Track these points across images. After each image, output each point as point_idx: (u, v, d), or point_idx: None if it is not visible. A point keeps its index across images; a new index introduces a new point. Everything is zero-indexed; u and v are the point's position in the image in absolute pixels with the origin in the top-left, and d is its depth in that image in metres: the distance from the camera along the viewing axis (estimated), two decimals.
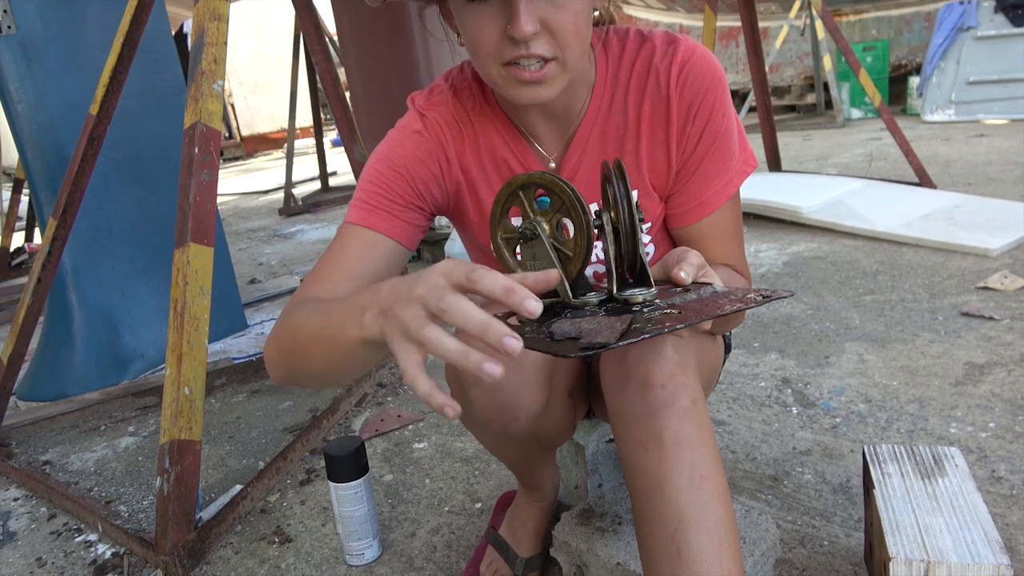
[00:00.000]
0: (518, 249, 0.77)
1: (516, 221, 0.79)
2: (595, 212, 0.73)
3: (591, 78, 0.91)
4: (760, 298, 0.65)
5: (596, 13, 0.84)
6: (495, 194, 0.86)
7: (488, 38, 0.77)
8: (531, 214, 0.75)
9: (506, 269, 0.79)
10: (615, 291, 0.70)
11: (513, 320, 0.71)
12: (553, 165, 0.95)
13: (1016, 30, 5.26)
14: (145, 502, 1.69)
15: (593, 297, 0.71)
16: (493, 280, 0.55)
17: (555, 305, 0.71)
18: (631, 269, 0.73)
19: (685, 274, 0.71)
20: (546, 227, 0.73)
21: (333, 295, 0.81)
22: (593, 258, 0.95)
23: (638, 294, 0.68)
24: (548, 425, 1.01)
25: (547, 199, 0.89)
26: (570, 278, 0.72)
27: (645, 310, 0.65)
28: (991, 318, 2.01)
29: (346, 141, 2.24)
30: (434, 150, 0.93)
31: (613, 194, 0.72)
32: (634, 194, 0.94)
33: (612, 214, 0.72)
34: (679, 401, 0.78)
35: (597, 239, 0.73)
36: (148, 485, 1.76)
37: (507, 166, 0.95)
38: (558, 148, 0.94)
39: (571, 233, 0.73)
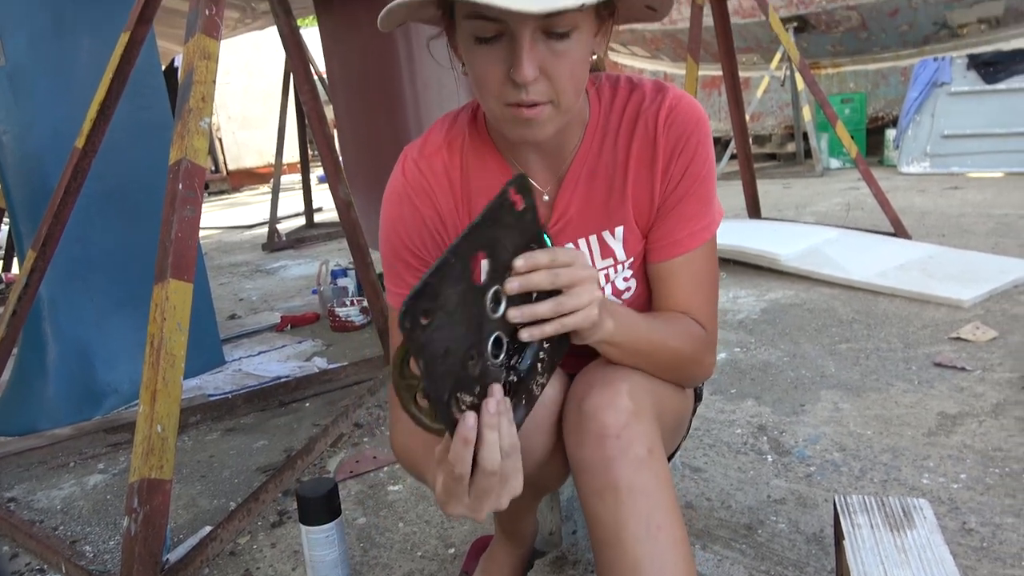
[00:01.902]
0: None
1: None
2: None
3: (585, 118, 0.96)
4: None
5: (594, 57, 0.88)
6: None
7: (492, 78, 0.81)
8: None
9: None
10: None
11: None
12: (547, 198, 0.98)
13: (988, 87, 5.42)
14: (111, 542, 1.65)
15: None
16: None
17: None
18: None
19: (522, 262, 0.71)
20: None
21: None
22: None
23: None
24: (548, 471, 1.00)
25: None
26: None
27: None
28: (963, 369, 2.04)
29: (331, 179, 2.25)
30: (426, 215, 0.98)
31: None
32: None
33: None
34: (634, 450, 0.79)
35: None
36: (115, 525, 1.73)
37: None
38: (551, 182, 0.98)
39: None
